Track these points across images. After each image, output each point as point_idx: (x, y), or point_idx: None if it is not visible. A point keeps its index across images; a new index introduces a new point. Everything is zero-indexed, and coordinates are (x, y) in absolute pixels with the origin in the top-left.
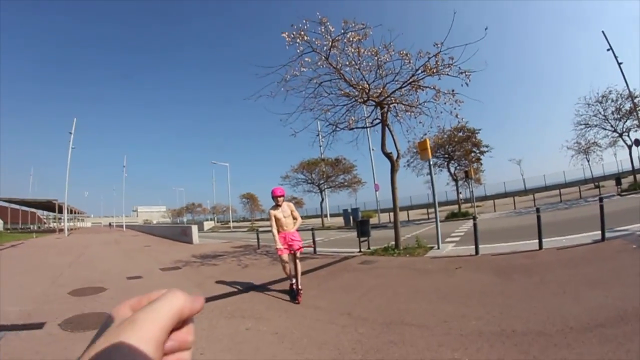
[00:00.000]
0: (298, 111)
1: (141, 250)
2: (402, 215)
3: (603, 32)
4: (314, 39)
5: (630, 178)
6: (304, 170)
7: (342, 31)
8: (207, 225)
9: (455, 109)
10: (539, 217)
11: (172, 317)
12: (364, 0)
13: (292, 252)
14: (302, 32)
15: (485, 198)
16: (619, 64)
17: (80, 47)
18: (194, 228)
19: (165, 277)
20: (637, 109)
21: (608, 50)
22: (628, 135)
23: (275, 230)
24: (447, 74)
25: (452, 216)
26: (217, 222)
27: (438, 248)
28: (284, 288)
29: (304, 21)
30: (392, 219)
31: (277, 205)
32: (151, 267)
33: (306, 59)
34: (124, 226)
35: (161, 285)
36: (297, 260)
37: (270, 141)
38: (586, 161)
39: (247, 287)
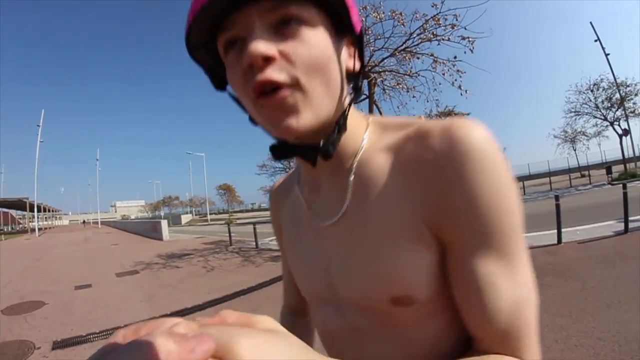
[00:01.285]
0: None
1: (106, 250)
2: None
3: (591, 23)
4: None
5: (620, 167)
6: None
7: None
8: (185, 218)
9: (456, 79)
10: (557, 206)
11: None
12: None
13: None
14: None
15: None
16: (606, 55)
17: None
18: (164, 223)
19: (118, 286)
20: (627, 99)
21: (595, 41)
22: (619, 125)
23: None
24: (448, 39)
25: None
26: (195, 215)
27: None
28: (253, 303)
29: None
30: None
31: None
32: (108, 272)
33: None
34: (99, 223)
35: (109, 298)
36: None
37: (247, 125)
38: (572, 150)
39: (207, 303)
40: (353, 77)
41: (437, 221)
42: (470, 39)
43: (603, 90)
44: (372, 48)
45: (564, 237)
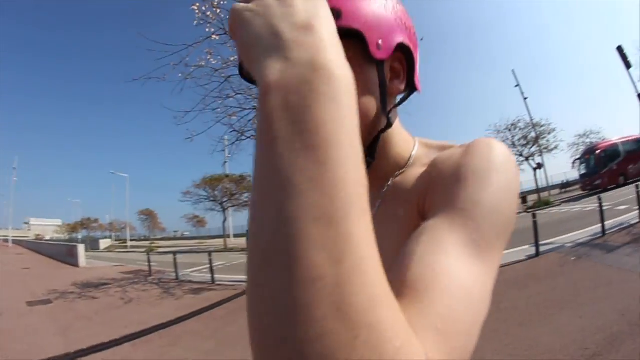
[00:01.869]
0: (197, 109)
1: (17, 275)
2: None
3: (513, 70)
4: (227, 18)
5: (534, 196)
6: (207, 187)
7: None
8: (104, 243)
9: None
10: None
11: None
12: None
13: None
14: (216, 6)
15: None
16: (525, 98)
17: None
18: (81, 248)
19: (30, 316)
20: (541, 137)
21: (516, 86)
22: (533, 159)
23: None
24: None
25: None
26: (115, 240)
27: None
28: (172, 338)
29: None
30: None
31: None
32: (18, 300)
33: (214, 37)
34: (10, 241)
35: (18, 330)
36: None
37: (174, 154)
38: None
39: (124, 337)
40: (393, 95)
41: (425, 204)
42: None
43: (520, 129)
44: None
45: None
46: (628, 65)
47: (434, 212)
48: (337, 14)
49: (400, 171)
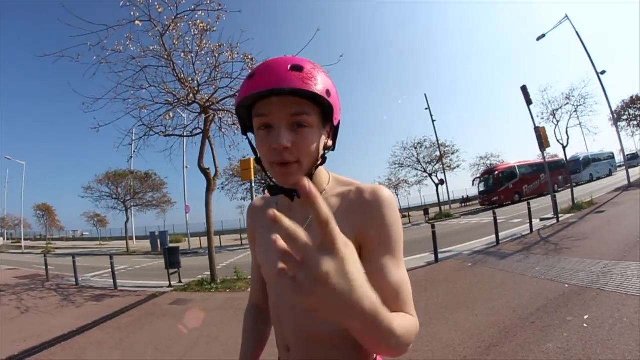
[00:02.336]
0: (108, 97)
1: None
2: (215, 241)
3: (425, 94)
4: (156, 4)
5: (436, 209)
6: (110, 183)
7: (193, 6)
8: None
9: None
10: None
11: None
12: None
13: None
14: None
15: None
16: (433, 120)
17: None
18: None
19: None
20: (445, 156)
21: (426, 109)
22: (436, 176)
23: None
24: None
25: None
26: (8, 238)
27: None
28: (76, 350)
29: None
30: (203, 245)
31: None
32: None
33: (137, 23)
34: None
35: None
36: None
37: (76, 143)
38: (395, 195)
39: (23, 352)
40: (325, 149)
41: (361, 235)
42: None
43: (425, 148)
44: (214, 86)
45: None
46: (529, 102)
47: (375, 247)
48: (328, 92)
49: (323, 195)
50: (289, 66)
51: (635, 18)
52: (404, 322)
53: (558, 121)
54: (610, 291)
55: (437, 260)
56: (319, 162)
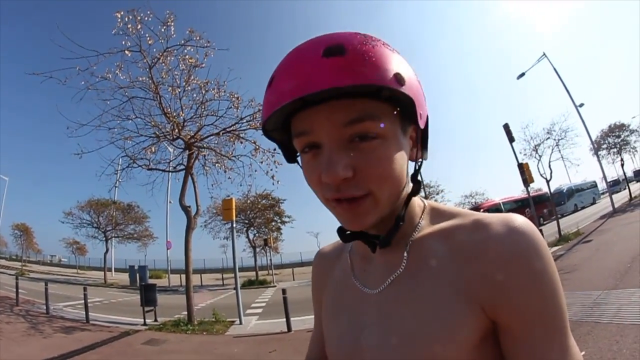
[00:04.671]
0: (93, 124)
1: None
2: (195, 279)
3: None
4: (147, 36)
5: None
6: (91, 211)
7: (183, 41)
8: None
9: (272, 169)
10: None
11: None
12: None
13: None
14: (139, 21)
15: (282, 266)
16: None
17: None
18: None
19: None
20: (430, 197)
21: None
22: None
23: None
24: None
25: (249, 284)
26: None
27: (240, 323)
28: None
29: (148, 12)
30: (183, 282)
31: None
32: None
33: (127, 53)
34: None
35: None
36: None
37: (60, 166)
38: None
39: None
40: (415, 162)
41: (496, 303)
42: None
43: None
44: (199, 123)
45: None
46: (511, 140)
47: (518, 323)
48: (399, 78)
49: (414, 237)
50: (323, 50)
51: (608, 49)
52: None
53: (540, 156)
54: (606, 322)
55: None
56: (412, 189)
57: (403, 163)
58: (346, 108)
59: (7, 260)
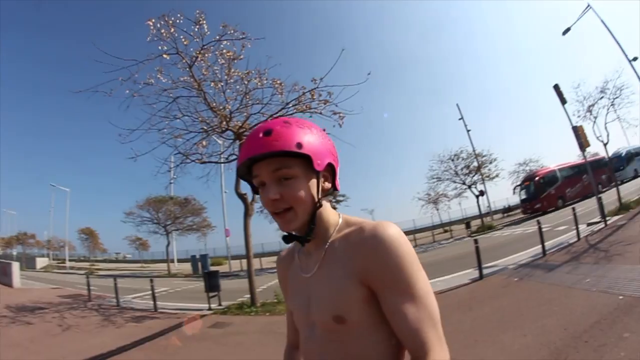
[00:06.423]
0: (143, 128)
1: None
2: (256, 263)
3: (457, 105)
4: (181, 38)
5: (478, 221)
6: (150, 208)
7: (218, 37)
8: (41, 262)
9: None
10: None
11: None
12: (256, 20)
13: None
14: (172, 24)
15: None
16: (468, 130)
17: None
18: (15, 266)
19: None
20: (483, 166)
21: (460, 119)
22: (475, 187)
23: None
24: (320, 113)
25: None
26: (53, 259)
27: None
28: None
29: (179, 15)
30: (243, 267)
31: None
32: None
33: (165, 56)
34: None
35: None
36: None
37: (117, 172)
38: (435, 210)
39: None
40: (325, 192)
41: (367, 278)
42: (341, 115)
43: (462, 159)
44: (246, 113)
45: None
46: (563, 101)
47: (387, 291)
48: (299, 145)
49: (331, 238)
50: (261, 133)
51: None
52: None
53: (595, 117)
54: None
55: (481, 276)
56: (317, 206)
57: (311, 191)
58: (274, 162)
59: (76, 262)
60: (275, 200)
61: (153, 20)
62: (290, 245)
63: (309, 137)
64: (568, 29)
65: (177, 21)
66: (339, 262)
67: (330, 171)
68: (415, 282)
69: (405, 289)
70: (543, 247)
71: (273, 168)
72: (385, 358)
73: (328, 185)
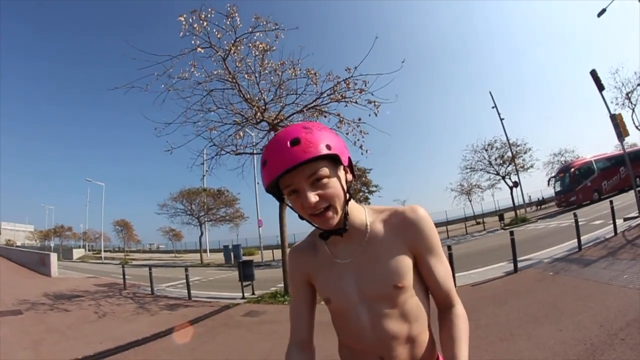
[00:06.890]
0: (178, 122)
1: None
2: None
3: (490, 92)
4: (214, 31)
5: (511, 214)
6: (184, 200)
7: (250, 29)
8: (77, 253)
9: (358, 140)
10: (450, 255)
11: None
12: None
13: None
14: (204, 19)
15: None
16: (501, 119)
17: None
18: (53, 257)
19: None
20: (517, 156)
21: (493, 107)
22: (509, 178)
23: None
24: (355, 102)
25: None
26: (89, 250)
27: None
28: (148, 355)
29: (209, 10)
30: (275, 257)
31: None
32: None
33: (199, 50)
34: None
35: None
36: None
37: (152, 165)
38: (468, 201)
39: (98, 354)
40: (347, 183)
41: (414, 247)
42: (376, 103)
43: (496, 149)
44: (281, 104)
45: (459, 281)
46: (601, 88)
47: (424, 256)
48: (328, 147)
49: (368, 225)
50: (289, 143)
51: None
52: (465, 336)
53: (634, 105)
54: None
55: (516, 270)
56: (348, 197)
57: (342, 185)
58: (307, 168)
59: (111, 252)
60: (316, 202)
61: (184, 16)
62: (305, 238)
63: (331, 138)
64: (604, 10)
65: (209, 15)
66: (387, 241)
67: (349, 163)
68: (440, 248)
69: (436, 253)
70: (579, 241)
71: (308, 174)
72: (425, 309)
73: (350, 176)
